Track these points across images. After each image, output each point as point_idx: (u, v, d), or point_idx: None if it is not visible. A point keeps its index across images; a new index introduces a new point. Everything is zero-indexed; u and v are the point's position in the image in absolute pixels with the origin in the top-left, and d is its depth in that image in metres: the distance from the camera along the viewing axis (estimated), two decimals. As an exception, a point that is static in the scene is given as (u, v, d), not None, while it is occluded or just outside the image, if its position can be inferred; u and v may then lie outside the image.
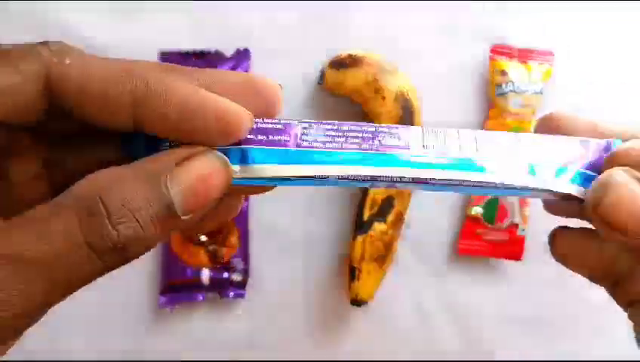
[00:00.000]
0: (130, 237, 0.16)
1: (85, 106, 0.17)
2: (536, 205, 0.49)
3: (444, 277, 0.50)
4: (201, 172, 0.17)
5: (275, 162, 0.20)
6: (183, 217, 0.17)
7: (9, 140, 0.18)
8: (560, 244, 0.23)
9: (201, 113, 0.17)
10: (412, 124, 0.46)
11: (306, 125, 0.21)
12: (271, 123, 0.21)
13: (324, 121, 0.21)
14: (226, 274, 0.48)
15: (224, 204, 0.20)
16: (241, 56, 0.48)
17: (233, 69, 0.48)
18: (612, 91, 0.51)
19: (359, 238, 0.46)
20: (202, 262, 0.48)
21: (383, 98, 0.46)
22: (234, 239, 0.48)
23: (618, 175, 0.19)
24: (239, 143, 0.19)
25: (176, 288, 0.48)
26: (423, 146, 0.21)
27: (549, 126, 0.23)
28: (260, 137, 0.20)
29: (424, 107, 0.47)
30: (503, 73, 0.49)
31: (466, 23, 0.50)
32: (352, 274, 0.47)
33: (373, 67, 0.46)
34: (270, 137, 0.20)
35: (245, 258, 0.48)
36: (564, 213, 0.24)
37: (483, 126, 0.50)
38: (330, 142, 0.21)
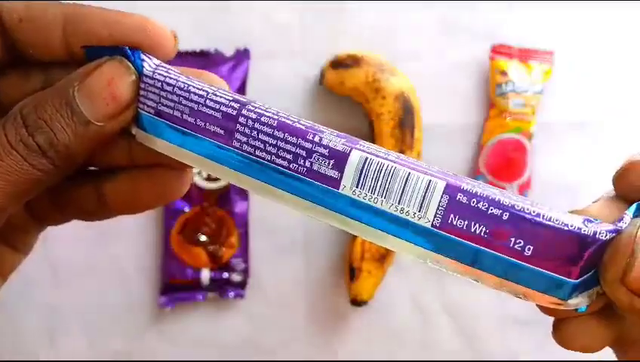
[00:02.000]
0: (45, 142, 0.18)
1: (24, 32, 0.19)
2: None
3: (444, 277, 0.50)
4: (102, 76, 0.18)
5: (167, 139, 0.19)
6: (96, 123, 0.18)
7: None
8: (565, 333, 0.20)
9: (127, 25, 0.19)
10: (412, 124, 0.46)
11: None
12: (212, 104, 0.19)
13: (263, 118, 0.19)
14: (226, 274, 0.48)
15: (167, 177, 0.21)
16: (241, 56, 0.48)
17: (233, 68, 0.48)
18: (612, 91, 0.51)
19: (359, 238, 0.46)
20: (202, 262, 0.48)
21: (383, 98, 0.46)
22: (234, 239, 0.48)
23: None
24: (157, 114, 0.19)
25: (176, 288, 0.48)
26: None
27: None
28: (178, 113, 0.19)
29: (424, 107, 0.47)
30: (503, 73, 0.49)
31: (466, 23, 0.50)
32: (352, 274, 0.47)
33: (373, 67, 0.46)
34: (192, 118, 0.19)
35: (245, 258, 0.48)
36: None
37: (483, 126, 0.50)
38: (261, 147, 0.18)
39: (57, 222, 0.23)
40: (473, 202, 0.17)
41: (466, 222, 0.17)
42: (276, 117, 0.19)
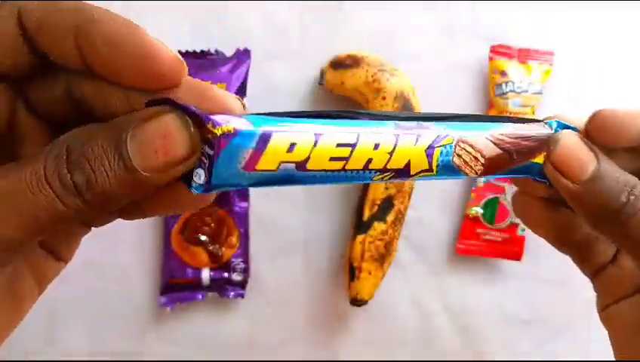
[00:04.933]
0: (83, 183, 0.17)
1: (39, 37, 0.18)
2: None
3: (443, 277, 0.50)
4: (160, 127, 0.17)
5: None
6: (143, 173, 0.17)
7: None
8: (519, 206, 0.26)
9: (129, 44, 0.18)
10: (412, 124, 0.46)
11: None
12: None
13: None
14: (226, 274, 0.48)
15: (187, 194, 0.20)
16: (241, 56, 0.48)
17: (233, 69, 0.48)
18: (612, 91, 0.51)
19: (359, 238, 0.46)
20: (202, 261, 0.48)
21: (383, 98, 0.46)
22: (234, 239, 0.48)
23: (567, 132, 0.23)
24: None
25: (176, 288, 0.48)
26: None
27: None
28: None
29: (424, 107, 0.47)
30: (503, 73, 0.49)
31: (466, 22, 0.50)
32: (352, 274, 0.47)
33: (373, 67, 0.46)
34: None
35: (245, 258, 0.48)
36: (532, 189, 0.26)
37: (483, 126, 0.50)
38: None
39: (104, 223, 0.23)
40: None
41: None
42: None
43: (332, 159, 0.19)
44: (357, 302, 0.47)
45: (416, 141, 0.20)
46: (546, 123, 0.23)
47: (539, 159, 0.23)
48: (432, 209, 0.50)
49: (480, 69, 0.50)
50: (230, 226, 0.48)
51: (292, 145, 0.19)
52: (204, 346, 0.49)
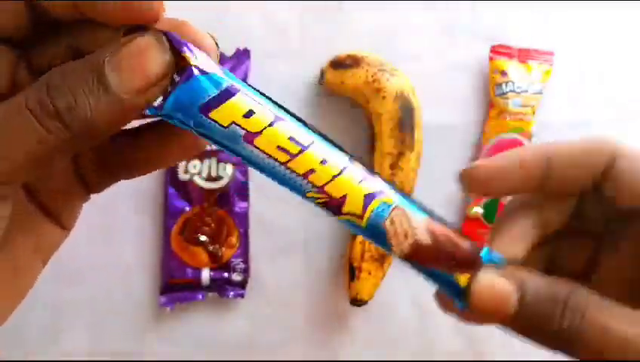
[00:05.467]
0: (64, 108, 0.17)
1: None
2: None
3: (444, 277, 0.50)
4: (137, 46, 0.18)
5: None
6: (123, 95, 0.18)
7: None
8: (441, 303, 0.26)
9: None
10: (412, 124, 0.46)
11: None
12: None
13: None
14: (226, 274, 0.48)
15: (181, 139, 0.21)
16: (241, 56, 0.48)
17: (233, 69, 0.48)
18: (612, 91, 0.51)
19: (359, 238, 0.46)
20: (202, 261, 0.48)
21: (383, 98, 0.46)
22: (234, 239, 0.48)
23: (481, 275, 0.21)
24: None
25: (176, 288, 0.48)
26: None
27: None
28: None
29: (424, 107, 0.47)
30: (503, 73, 0.49)
31: (466, 22, 0.50)
32: (352, 274, 0.47)
33: (373, 67, 0.46)
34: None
35: (245, 258, 0.48)
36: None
37: (483, 126, 0.50)
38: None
39: (103, 186, 0.23)
40: None
41: None
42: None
43: (279, 148, 0.19)
44: (357, 302, 0.47)
45: (360, 181, 0.20)
46: (479, 249, 0.22)
47: (462, 279, 0.22)
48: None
49: (480, 69, 0.50)
50: (230, 226, 0.48)
51: (250, 111, 0.19)
52: (204, 346, 0.49)
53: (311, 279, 0.50)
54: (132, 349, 0.48)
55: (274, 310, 0.49)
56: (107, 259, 0.48)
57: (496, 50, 0.49)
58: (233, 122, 0.19)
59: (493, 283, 0.21)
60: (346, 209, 0.20)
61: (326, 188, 0.20)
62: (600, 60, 0.51)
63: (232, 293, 0.48)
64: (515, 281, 0.21)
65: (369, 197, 0.20)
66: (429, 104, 0.48)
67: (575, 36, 0.50)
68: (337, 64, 0.47)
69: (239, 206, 0.48)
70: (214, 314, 0.49)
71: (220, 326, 0.49)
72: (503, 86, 0.48)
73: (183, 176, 0.48)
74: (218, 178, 0.48)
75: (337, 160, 0.20)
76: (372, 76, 0.46)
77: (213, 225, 0.48)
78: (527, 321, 0.21)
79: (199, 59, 0.19)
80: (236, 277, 0.48)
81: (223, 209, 0.48)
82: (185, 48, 0.19)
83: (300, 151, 0.20)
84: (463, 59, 0.50)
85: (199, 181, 0.48)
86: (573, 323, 0.20)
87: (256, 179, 0.49)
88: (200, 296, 0.48)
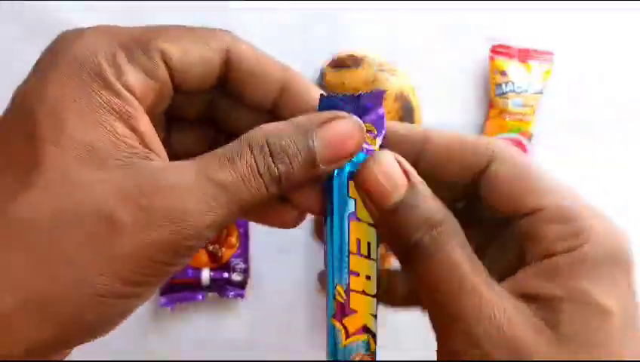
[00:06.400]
0: (284, 174, 0.20)
1: (246, 84, 0.23)
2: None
3: (444, 277, 0.50)
4: (340, 130, 0.21)
5: None
6: (321, 166, 0.21)
7: (186, 105, 0.23)
8: None
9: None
10: (412, 124, 0.46)
11: None
12: None
13: None
14: (226, 274, 0.48)
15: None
16: (241, 56, 0.48)
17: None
18: (612, 91, 0.51)
19: (359, 238, 0.46)
20: (202, 261, 0.48)
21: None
22: (234, 239, 0.48)
23: (383, 151, 0.22)
24: None
25: (176, 288, 0.48)
26: None
27: None
28: None
29: (424, 107, 0.47)
30: (503, 73, 0.49)
31: (466, 23, 0.50)
32: (352, 274, 0.47)
33: (373, 67, 0.46)
34: None
35: (245, 258, 0.48)
36: None
37: (483, 126, 0.50)
38: None
39: None
40: None
41: None
42: None
43: (358, 241, 0.23)
44: (357, 302, 0.47)
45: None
46: None
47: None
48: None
49: (480, 68, 0.50)
50: (230, 226, 0.48)
51: None
52: (204, 346, 0.49)
53: (311, 279, 0.50)
54: (132, 349, 0.48)
55: (274, 310, 0.49)
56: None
57: (497, 50, 0.49)
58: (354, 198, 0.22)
59: (394, 159, 0.21)
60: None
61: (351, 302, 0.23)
62: (600, 60, 0.51)
63: (232, 293, 0.48)
64: (413, 178, 0.21)
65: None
66: (429, 104, 0.48)
67: (575, 36, 0.50)
68: (337, 64, 0.47)
69: (239, 206, 0.48)
70: (214, 314, 0.49)
71: (220, 326, 0.49)
72: (503, 86, 0.48)
73: (183, 176, 0.48)
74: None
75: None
76: (372, 76, 0.46)
77: (213, 225, 0.48)
78: (392, 224, 0.21)
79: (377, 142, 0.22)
80: (236, 277, 0.48)
81: (223, 209, 0.48)
82: (380, 135, 0.22)
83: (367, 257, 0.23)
84: (463, 59, 0.50)
85: (199, 181, 0.48)
86: (430, 247, 0.20)
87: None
88: (200, 296, 0.48)
